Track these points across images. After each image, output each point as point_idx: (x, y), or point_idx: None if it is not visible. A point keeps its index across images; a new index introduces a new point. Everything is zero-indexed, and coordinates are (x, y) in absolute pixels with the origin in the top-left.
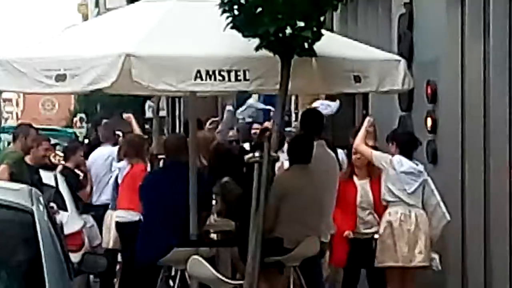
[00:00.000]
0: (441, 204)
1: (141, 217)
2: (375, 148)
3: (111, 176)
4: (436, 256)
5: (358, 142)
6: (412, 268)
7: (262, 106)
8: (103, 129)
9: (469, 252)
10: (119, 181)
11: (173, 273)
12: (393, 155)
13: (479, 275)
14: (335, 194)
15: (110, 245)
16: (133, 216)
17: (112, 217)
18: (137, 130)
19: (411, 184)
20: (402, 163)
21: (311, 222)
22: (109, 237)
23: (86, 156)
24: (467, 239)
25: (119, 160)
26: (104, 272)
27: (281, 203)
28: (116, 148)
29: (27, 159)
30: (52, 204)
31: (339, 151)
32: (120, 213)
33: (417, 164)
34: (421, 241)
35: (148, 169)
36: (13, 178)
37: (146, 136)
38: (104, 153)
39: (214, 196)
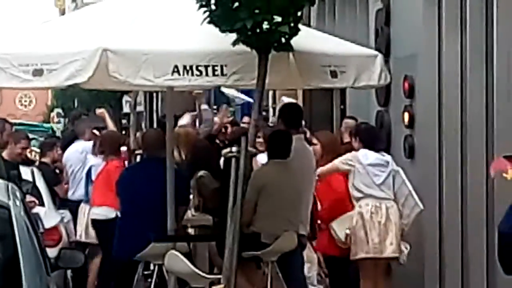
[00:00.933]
0: (413, 193)
1: (118, 213)
2: (350, 143)
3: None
4: (405, 249)
5: (318, 171)
6: (383, 259)
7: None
8: (78, 124)
9: (446, 246)
10: (93, 177)
11: (150, 268)
12: (356, 150)
13: (456, 268)
14: (313, 188)
15: (83, 239)
16: (109, 212)
17: (85, 211)
18: (111, 126)
19: (379, 176)
20: (367, 156)
21: (289, 216)
22: (81, 230)
23: (63, 151)
24: (444, 233)
25: (94, 155)
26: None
27: (259, 198)
28: (91, 143)
29: (4, 154)
30: (30, 197)
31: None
32: (96, 210)
33: (383, 155)
34: (392, 232)
35: (126, 164)
36: None
37: (123, 132)
38: (79, 148)
39: (191, 191)
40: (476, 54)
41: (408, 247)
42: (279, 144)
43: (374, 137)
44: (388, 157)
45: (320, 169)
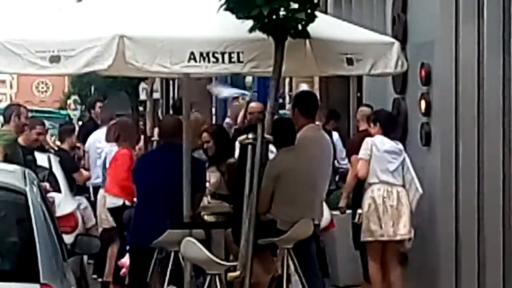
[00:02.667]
0: (415, 179)
1: (125, 201)
2: (366, 131)
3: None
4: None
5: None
6: (394, 241)
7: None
8: (101, 112)
9: (462, 233)
10: (107, 164)
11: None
12: (371, 136)
13: (473, 256)
14: (328, 177)
15: (106, 225)
16: (118, 200)
17: (105, 197)
18: None
19: (392, 163)
20: (384, 142)
21: (305, 203)
22: (105, 218)
23: (84, 138)
24: (461, 220)
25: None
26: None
27: (276, 185)
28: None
29: (20, 140)
30: (45, 183)
31: (333, 133)
32: (108, 199)
33: (397, 143)
34: (405, 215)
35: (142, 151)
36: (7, 159)
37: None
38: (101, 136)
39: (210, 177)
40: (493, 41)
41: (412, 231)
42: (283, 131)
43: (395, 124)
44: (401, 146)
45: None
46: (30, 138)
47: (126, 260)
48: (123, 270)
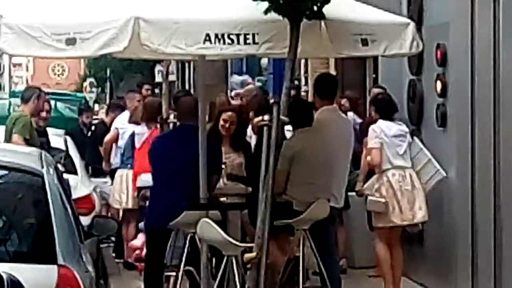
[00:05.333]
0: (433, 160)
1: None
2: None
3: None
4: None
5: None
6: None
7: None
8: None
9: (478, 216)
10: (137, 145)
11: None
12: (375, 120)
13: (489, 239)
14: (349, 159)
15: (130, 205)
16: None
17: (128, 176)
18: None
19: (401, 146)
20: (389, 127)
21: (321, 184)
22: (118, 199)
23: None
24: (477, 203)
25: (133, 123)
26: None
27: (291, 166)
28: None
29: (33, 122)
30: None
31: (349, 113)
32: (142, 177)
33: (400, 125)
34: (419, 198)
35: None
36: (28, 143)
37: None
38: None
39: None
40: (509, 22)
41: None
42: (300, 112)
43: (391, 106)
44: (404, 127)
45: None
46: (41, 117)
47: (137, 242)
48: (136, 251)
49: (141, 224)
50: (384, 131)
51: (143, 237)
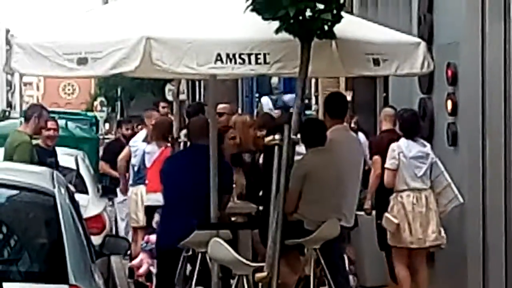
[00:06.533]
0: (453, 186)
1: None
2: (392, 131)
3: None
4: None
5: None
6: (425, 248)
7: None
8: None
9: (489, 234)
10: (147, 164)
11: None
12: (394, 137)
13: (499, 258)
14: (359, 178)
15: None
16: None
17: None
18: None
19: (420, 168)
20: (410, 148)
21: (332, 204)
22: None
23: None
24: (488, 222)
25: (147, 142)
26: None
27: (303, 185)
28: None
29: (41, 142)
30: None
31: (359, 134)
32: (151, 196)
33: (424, 145)
34: (433, 221)
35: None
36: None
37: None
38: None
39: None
40: None
41: (444, 234)
42: (313, 132)
43: (416, 125)
44: (428, 149)
45: (387, 182)
46: (45, 135)
47: (138, 261)
48: (139, 271)
49: (143, 243)
50: (404, 152)
51: (142, 255)
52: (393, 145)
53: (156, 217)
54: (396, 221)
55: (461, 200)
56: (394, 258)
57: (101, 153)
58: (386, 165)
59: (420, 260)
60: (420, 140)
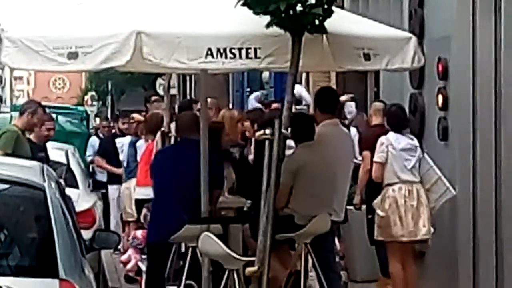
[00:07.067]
0: (443, 178)
1: None
2: (382, 126)
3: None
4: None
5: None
6: (415, 241)
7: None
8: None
9: (479, 229)
10: (139, 158)
11: (184, 250)
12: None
13: (490, 252)
14: (349, 173)
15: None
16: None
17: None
18: None
19: (410, 160)
20: (399, 140)
21: (323, 198)
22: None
23: None
24: (478, 217)
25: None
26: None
27: (294, 180)
28: None
29: (32, 137)
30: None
31: (351, 128)
32: (140, 190)
33: (412, 139)
34: (424, 215)
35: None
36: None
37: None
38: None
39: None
40: (510, 35)
41: (432, 230)
42: (302, 126)
43: (403, 120)
44: (416, 142)
45: (375, 176)
46: (41, 134)
47: (126, 257)
48: (127, 266)
49: (130, 238)
50: (393, 144)
51: (130, 250)
52: (382, 138)
53: (144, 211)
54: (381, 214)
55: (454, 192)
56: (388, 254)
57: (97, 148)
58: (375, 159)
59: (407, 255)
60: (408, 134)
